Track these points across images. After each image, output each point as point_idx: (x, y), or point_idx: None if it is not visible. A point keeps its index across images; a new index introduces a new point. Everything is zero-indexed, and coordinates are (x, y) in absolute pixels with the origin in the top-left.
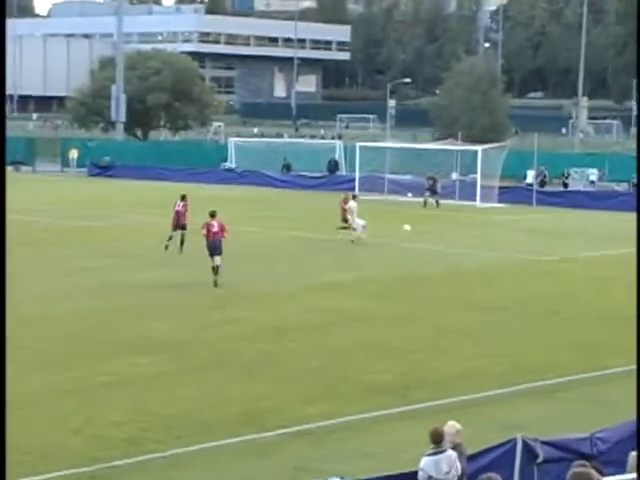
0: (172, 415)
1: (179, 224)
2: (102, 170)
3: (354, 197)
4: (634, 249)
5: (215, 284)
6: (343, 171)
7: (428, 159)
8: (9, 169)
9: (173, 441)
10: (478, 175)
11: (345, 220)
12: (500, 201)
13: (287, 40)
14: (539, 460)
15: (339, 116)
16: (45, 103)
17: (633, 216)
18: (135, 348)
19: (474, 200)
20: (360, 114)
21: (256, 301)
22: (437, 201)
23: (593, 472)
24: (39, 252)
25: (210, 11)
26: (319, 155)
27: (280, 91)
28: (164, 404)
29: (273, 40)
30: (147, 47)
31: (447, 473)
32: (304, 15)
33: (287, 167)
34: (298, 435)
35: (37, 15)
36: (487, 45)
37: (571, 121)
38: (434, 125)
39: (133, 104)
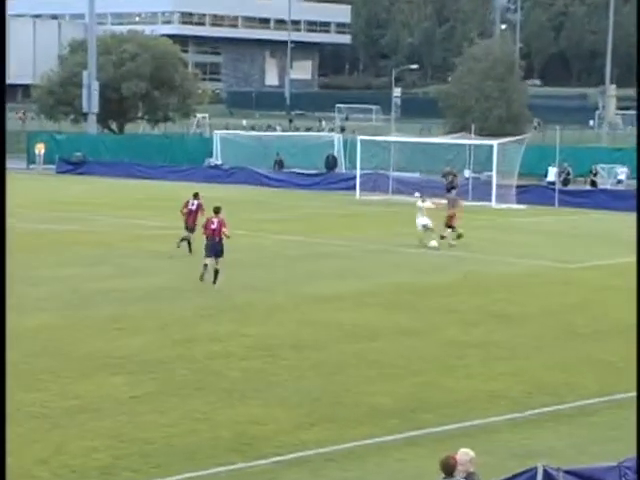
0: (150, 442)
1: (189, 225)
2: (73, 167)
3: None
4: None
5: (202, 279)
6: (342, 168)
7: (438, 155)
8: None
9: (151, 470)
10: (494, 173)
11: (450, 226)
12: (518, 202)
13: (280, 21)
14: None
15: (338, 106)
16: (8, 92)
17: None
18: (109, 367)
19: (489, 201)
20: (361, 104)
21: (245, 314)
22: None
23: None
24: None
25: None
26: (315, 150)
27: (272, 79)
28: (142, 429)
29: (264, 21)
30: (122, 29)
31: None
32: None
33: (280, 164)
34: (294, 463)
35: None
36: (504, 27)
37: (598, 112)
38: (444, 116)
39: (107, 93)
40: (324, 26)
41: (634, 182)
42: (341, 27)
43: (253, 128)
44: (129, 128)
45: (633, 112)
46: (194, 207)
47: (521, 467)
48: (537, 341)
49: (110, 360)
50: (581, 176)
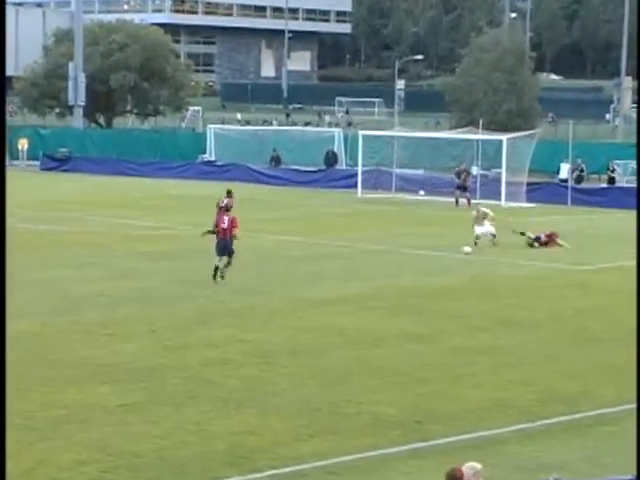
0: (140, 454)
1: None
2: (58, 163)
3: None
4: None
5: (221, 277)
6: (343, 165)
7: (443, 150)
8: None
9: None
10: (503, 169)
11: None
12: (529, 200)
13: (276, 9)
14: None
15: (338, 99)
16: None
17: None
18: (97, 375)
19: (498, 199)
20: (363, 97)
21: (242, 318)
22: (469, 200)
23: None
24: None
25: None
26: (314, 146)
27: (268, 70)
28: (131, 441)
29: (260, 9)
30: (111, 18)
31: None
32: None
33: (276, 160)
34: (292, 477)
35: None
36: (513, 16)
37: (612, 105)
38: (450, 110)
39: (94, 85)
40: (323, 15)
41: None
42: (341, 16)
43: (248, 122)
44: (117, 122)
45: None
46: (227, 201)
47: None
48: (549, 347)
49: (98, 368)
50: (596, 173)
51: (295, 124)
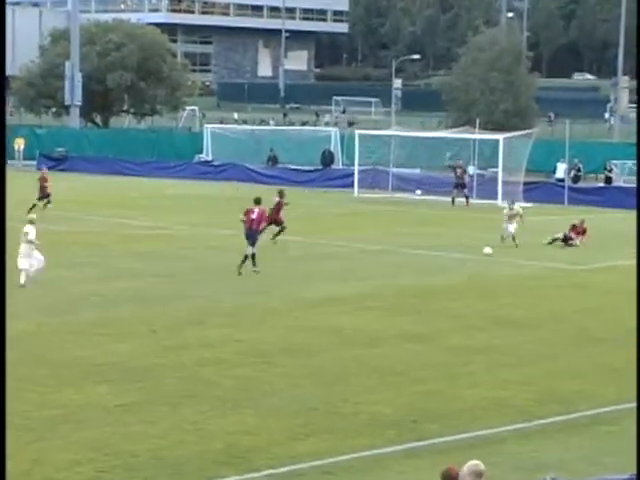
0: (136, 454)
1: (276, 220)
2: (54, 163)
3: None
4: None
5: (250, 268)
6: (340, 164)
7: (440, 150)
8: None
9: None
10: (499, 169)
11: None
12: (526, 200)
13: (273, 9)
14: None
15: (335, 99)
16: None
17: None
18: (94, 375)
19: (495, 198)
20: (360, 97)
21: (238, 318)
22: (467, 198)
23: None
24: None
25: None
26: (311, 145)
27: (265, 70)
28: (127, 441)
29: (257, 9)
30: (107, 17)
31: None
32: None
33: (273, 159)
34: (289, 476)
35: None
36: (510, 15)
37: (610, 105)
38: (447, 109)
39: (91, 85)
40: (320, 14)
41: None
42: (338, 15)
43: (245, 122)
44: (114, 122)
45: None
46: (277, 201)
47: None
48: (546, 347)
49: (94, 367)
50: (592, 172)
51: (292, 124)
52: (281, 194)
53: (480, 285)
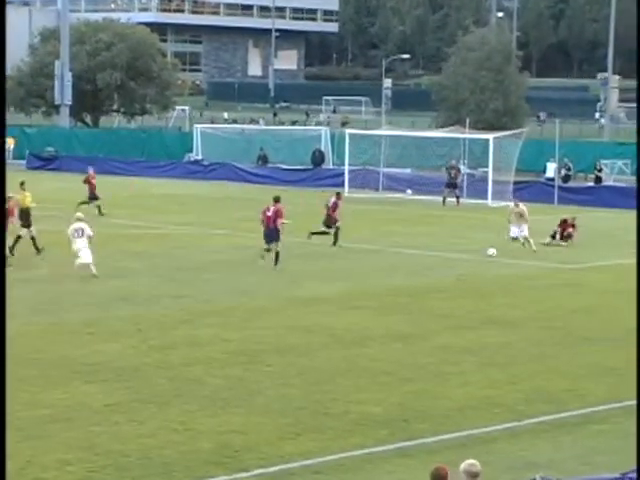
0: (126, 454)
1: (331, 221)
2: (44, 162)
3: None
4: None
5: (262, 257)
6: (330, 164)
7: (430, 149)
8: None
9: None
10: (489, 168)
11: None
12: (516, 199)
13: (263, 8)
14: None
15: (325, 98)
16: None
17: None
18: (82, 374)
19: (485, 198)
20: (350, 96)
21: (227, 317)
22: (458, 198)
23: None
24: None
25: None
26: (301, 145)
27: (255, 69)
28: (117, 441)
29: (247, 8)
30: (97, 17)
31: None
32: None
33: (263, 159)
34: (279, 476)
35: None
36: (500, 15)
37: (599, 104)
38: (437, 109)
39: (81, 84)
40: (310, 13)
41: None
42: (328, 15)
43: (235, 121)
44: (104, 121)
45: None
46: (334, 201)
47: (519, 479)
48: (537, 347)
49: (83, 367)
50: (582, 172)
51: (282, 123)
52: (338, 195)
53: (471, 284)
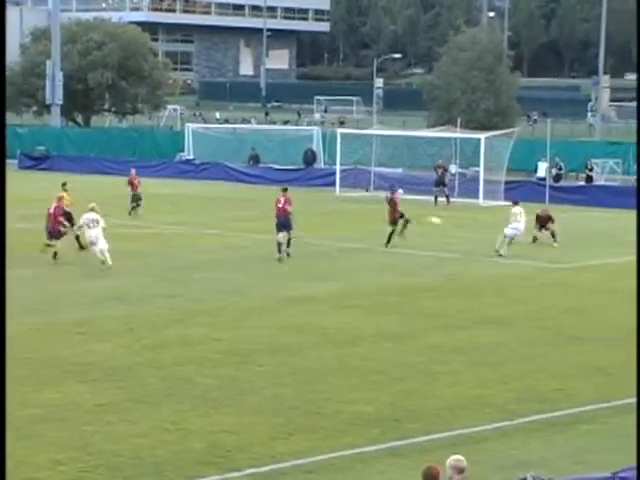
0: (118, 453)
1: (395, 218)
2: (35, 162)
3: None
4: None
5: (287, 254)
6: (322, 163)
7: (422, 149)
8: None
9: None
10: (481, 168)
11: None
12: (507, 198)
13: (255, 8)
14: None
15: (317, 98)
16: None
17: None
18: (74, 374)
19: (476, 197)
20: (341, 96)
21: (218, 317)
22: (448, 197)
23: None
24: None
25: None
26: (293, 144)
27: (247, 69)
28: (109, 440)
29: (238, 8)
30: (88, 16)
31: None
32: None
33: (255, 159)
34: (270, 476)
35: None
36: (491, 14)
37: (590, 104)
38: (429, 109)
39: (72, 84)
40: (302, 13)
41: (628, 177)
42: (320, 14)
43: (227, 121)
44: (95, 121)
45: (627, 104)
46: (390, 197)
47: (510, 478)
48: (528, 346)
49: (75, 367)
50: (573, 171)
51: (274, 123)
52: (393, 191)
53: (462, 284)
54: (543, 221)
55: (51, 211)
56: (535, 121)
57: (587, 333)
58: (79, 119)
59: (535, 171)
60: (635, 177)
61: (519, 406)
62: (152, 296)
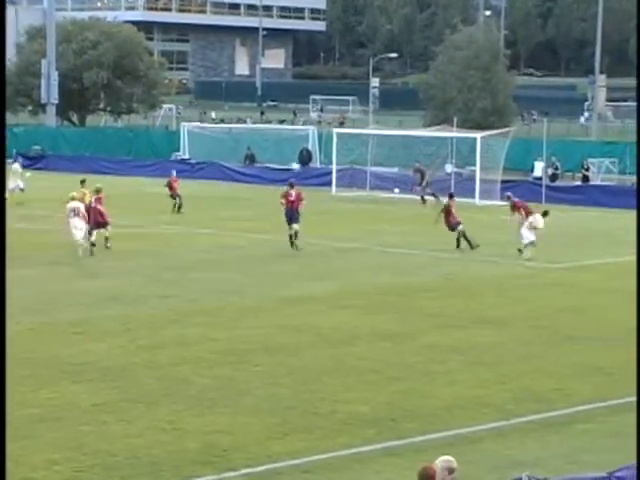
0: (114, 453)
1: (452, 225)
2: (31, 161)
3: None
4: None
5: (296, 248)
6: (317, 163)
7: (418, 148)
8: None
9: None
10: (477, 167)
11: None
12: (503, 198)
13: (250, 7)
14: None
15: (312, 97)
16: None
17: None
18: (70, 374)
19: (472, 197)
20: (337, 95)
21: (214, 317)
22: (423, 197)
23: None
24: None
25: None
26: (289, 144)
27: (242, 68)
28: (105, 440)
29: (234, 7)
30: (84, 15)
31: None
32: None
33: (251, 158)
34: (266, 476)
35: None
36: (488, 13)
37: (587, 103)
38: (425, 108)
39: (67, 83)
40: (298, 12)
41: (624, 177)
42: (316, 13)
43: (222, 120)
44: (90, 120)
45: (624, 104)
46: (447, 202)
47: (506, 478)
48: (524, 346)
49: (71, 367)
50: (570, 171)
51: (269, 122)
52: (451, 196)
53: (459, 284)
54: (519, 209)
55: (93, 205)
56: (534, 120)
57: (585, 333)
58: (74, 118)
59: (531, 171)
60: (633, 177)
61: (516, 406)
62: (149, 296)
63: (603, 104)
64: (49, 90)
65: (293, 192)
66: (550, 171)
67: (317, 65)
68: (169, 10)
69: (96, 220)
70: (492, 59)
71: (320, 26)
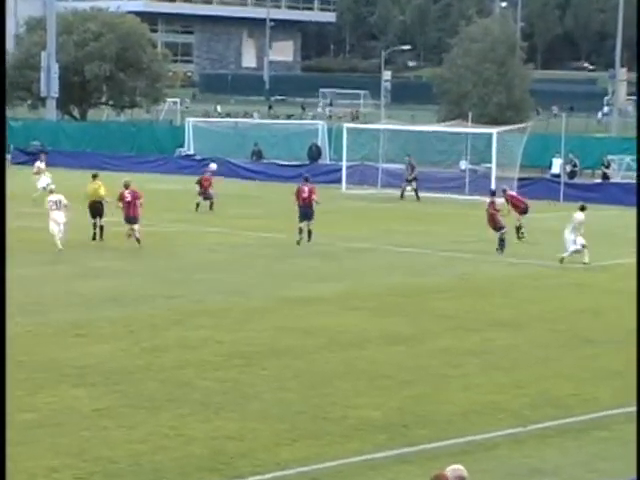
0: (116, 460)
1: (496, 226)
2: (30, 157)
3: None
4: None
5: (298, 243)
6: (327, 159)
7: (431, 144)
8: None
9: None
10: (493, 164)
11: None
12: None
13: None
14: None
15: (322, 91)
16: None
17: None
18: (70, 378)
19: (488, 195)
20: (348, 89)
21: (220, 318)
22: (403, 192)
23: None
24: None
25: None
26: (297, 139)
27: (249, 61)
28: (106, 446)
29: None
30: (85, 6)
31: None
32: None
33: (258, 154)
34: None
35: None
36: (504, 4)
37: (607, 98)
38: (439, 102)
39: (68, 76)
40: (307, 3)
41: None
42: (325, 4)
43: (229, 115)
44: (92, 114)
45: None
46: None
47: None
48: (541, 349)
49: (72, 370)
50: (589, 168)
51: (277, 117)
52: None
53: (472, 284)
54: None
55: (129, 199)
56: (555, 115)
57: (602, 336)
58: (75, 113)
59: (549, 168)
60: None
61: (533, 412)
62: (152, 297)
63: (624, 99)
64: (49, 83)
65: (306, 188)
66: (568, 168)
67: (327, 58)
68: (173, 0)
69: (135, 214)
70: (508, 52)
71: (330, 17)
